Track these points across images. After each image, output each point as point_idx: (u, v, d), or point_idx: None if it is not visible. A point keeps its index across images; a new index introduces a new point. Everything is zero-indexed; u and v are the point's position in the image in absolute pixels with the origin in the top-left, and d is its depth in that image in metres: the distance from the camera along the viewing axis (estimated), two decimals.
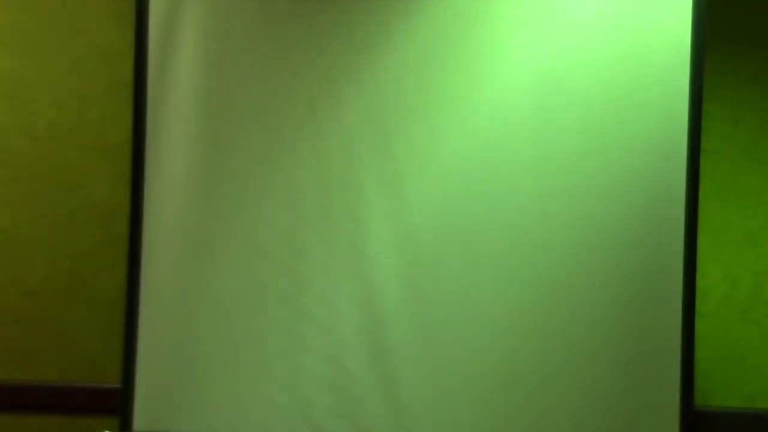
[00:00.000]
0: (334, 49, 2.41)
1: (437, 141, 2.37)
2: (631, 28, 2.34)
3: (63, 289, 2.61)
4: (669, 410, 2.31)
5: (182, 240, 2.43)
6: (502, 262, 2.35)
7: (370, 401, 2.36)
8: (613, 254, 2.32)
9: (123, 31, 2.60)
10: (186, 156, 2.44)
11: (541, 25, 2.35)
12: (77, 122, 2.61)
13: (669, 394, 2.32)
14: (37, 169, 2.61)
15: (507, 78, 2.36)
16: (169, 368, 2.43)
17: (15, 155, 2.61)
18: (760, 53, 2.56)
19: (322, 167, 2.40)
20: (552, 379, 2.33)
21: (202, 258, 2.42)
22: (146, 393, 2.43)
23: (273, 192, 2.41)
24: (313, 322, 2.39)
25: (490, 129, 2.36)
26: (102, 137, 2.61)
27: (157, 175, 2.44)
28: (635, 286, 2.32)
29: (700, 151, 2.33)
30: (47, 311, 2.60)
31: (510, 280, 2.34)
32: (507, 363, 2.34)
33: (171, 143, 2.45)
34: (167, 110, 2.45)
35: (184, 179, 2.44)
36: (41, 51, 2.62)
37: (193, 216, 2.43)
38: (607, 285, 2.32)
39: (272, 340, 2.39)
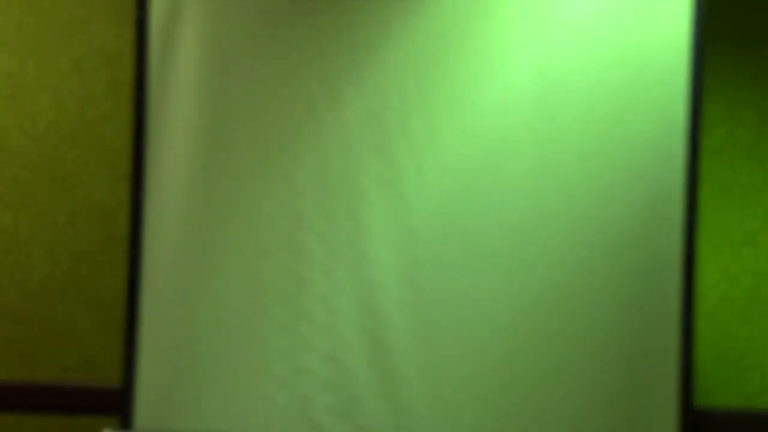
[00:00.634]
0: (334, 49, 2.41)
1: (437, 141, 2.38)
2: (631, 29, 2.34)
3: (63, 289, 2.61)
4: (668, 410, 2.32)
5: (182, 240, 2.43)
6: (502, 262, 2.35)
7: (370, 401, 2.37)
8: (613, 254, 2.33)
9: (123, 31, 2.60)
10: (186, 156, 2.44)
11: (541, 25, 2.36)
12: (77, 122, 2.61)
13: (668, 394, 2.32)
14: (37, 169, 2.61)
15: (507, 78, 2.36)
16: (170, 368, 2.43)
17: (15, 155, 2.61)
18: (760, 53, 2.56)
19: (322, 167, 2.40)
20: (552, 379, 2.33)
21: (202, 258, 2.42)
22: (146, 393, 2.44)
23: (273, 192, 2.41)
24: (313, 322, 2.39)
25: (490, 129, 2.36)
26: (102, 137, 2.62)
27: (157, 175, 2.45)
28: (635, 286, 2.32)
29: (700, 151, 2.33)
30: (47, 311, 2.61)
31: (510, 280, 2.35)
32: (507, 363, 2.34)
33: (171, 143, 2.45)
34: (167, 110, 2.45)
35: (184, 179, 2.44)
36: (41, 51, 2.62)
37: (193, 216, 2.43)
38: (607, 285, 2.33)
39: (272, 340, 2.40)
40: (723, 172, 2.56)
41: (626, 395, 2.32)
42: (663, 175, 2.33)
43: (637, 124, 2.33)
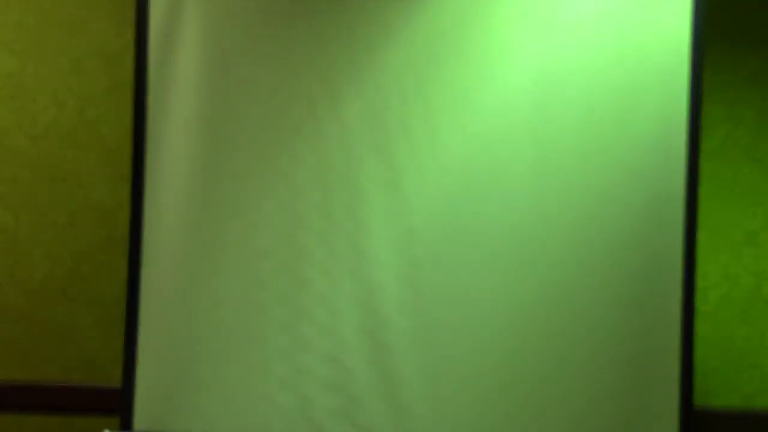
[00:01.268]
0: (334, 49, 2.41)
1: (437, 141, 2.38)
2: (631, 29, 2.34)
3: (63, 289, 2.61)
4: (669, 410, 2.31)
5: (182, 240, 2.43)
6: (502, 262, 2.35)
7: (370, 401, 2.36)
8: (613, 254, 2.33)
9: (123, 31, 2.60)
10: (186, 156, 2.44)
11: (541, 25, 2.36)
12: (77, 122, 2.61)
13: (669, 394, 2.32)
14: (37, 169, 2.61)
15: (507, 78, 2.36)
16: (169, 368, 2.43)
17: (15, 155, 2.61)
18: (760, 53, 2.56)
19: (322, 167, 2.40)
20: (552, 379, 2.33)
21: (202, 258, 2.42)
22: (146, 393, 2.43)
23: (273, 192, 2.41)
24: (313, 322, 2.39)
25: (490, 129, 2.36)
26: (102, 137, 2.62)
27: (157, 175, 2.45)
28: (635, 286, 2.32)
29: (700, 151, 2.33)
30: (47, 311, 2.61)
31: (510, 280, 2.35)
32: (507, 363, 2.34)
33: (171, 143, 2.45)
34: (167, 110, 2.45)
35: (184, 179, 2.44)
36: (41, 51, 2.62)
37: (193, 216, 2.43)
38: (607, 285, 2.33)
39: (272, 340, 2.40)
40: (723, 172, 2.56)
41: (626, 395, 2.32)
42: (663, 175, 2.33)
43: (637, 124, 2.33)
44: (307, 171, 2.41)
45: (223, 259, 2.42)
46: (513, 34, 2.36)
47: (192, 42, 2.44)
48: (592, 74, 2.34)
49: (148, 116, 2.45)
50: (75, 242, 2.61)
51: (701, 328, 2.52)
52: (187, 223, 2.44)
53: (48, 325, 2.61)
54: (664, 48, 2.33)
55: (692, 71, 2.33)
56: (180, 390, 2.42)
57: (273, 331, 2.40)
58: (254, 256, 2.41)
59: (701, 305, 2.52)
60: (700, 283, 2.52)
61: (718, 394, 2.53)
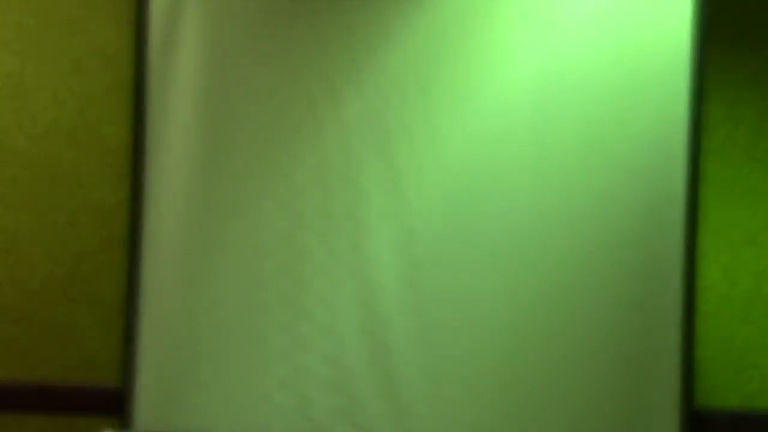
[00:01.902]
0: (334, 49, 2.41)
1: (437, 141, 2.38)
2: (631, 29, 2.34)
3: (63, 289, 2.61)
4: (669, 410, 2.32)
5: (182, 240, 2.43)
6: (502, 262, 2.35)
7: (370, 401, 2.36)
8: (613, 254, 2.33)
9: (123, 31, 2.60)
10: (186, 156, 2.44)
11: (541, 25, 2.36)
12: (77, 122, 2.61)
13: (669, 394, 2.32)
14: (37, 169, 2.61)
15: (507, 78, 2.36)
16: (169, 368, 2.43)
17: (15, 155, 2.61)
18: (760, 53, 2.56)
19: (322, 167, 2.40)
20: (552, 379, 2.33)
21: (202, 258, 2.42)
22: (146, 393, 2.43)
23: (273, 192, 2.41)
24: (313, 322, 2.39)
25: (491, 129, 2.36)
26: (102, 137, 2.61)
27: (157, 175, 2.45)
28: (635, 286, 2.32)
29: (700, 151, 2.33)
30: (47, 311, 2.61)
31: (510, 280, 2.35)
32: (507, 363, 2.34)
33: (171, 143, 2.45)
34: (167, 110, 2.45)
35: (184, 179, 2.44)
36: (41, 51, 2.62)
37: (193, 216, 2.43)
38: (607, 285, 2.33)
39: (272, 340, 2.40)
40: (723, 172, 2.56)
41: (626, 395, 2.32)
42: (663, 175, 2.33)
43: (638, 124, 2.33)
44: (307, 171, 2.41)
45: (223, 259, 2.42)
46: (513, 34, 2.36)
47: (192, 42, 2.44)
48: (592, 74, 2.34)
49: (148, 116, 2.45)
50: (75, 242, 2.61)
51: (701, 328, 2.52)
52: (187, 223, 2.44)
53: (48, 325, 2.60)
54: (665, 48, 2.33)
55: (693, 71, 2.33)
56: (180, 390, 2.42)
57: (273, 331, 2.40)
58: (254, 256, 2.41)
59: (701, 305, 2.52)
60: (700, 283, 2.52)
61: (718, 394, 2.53)
